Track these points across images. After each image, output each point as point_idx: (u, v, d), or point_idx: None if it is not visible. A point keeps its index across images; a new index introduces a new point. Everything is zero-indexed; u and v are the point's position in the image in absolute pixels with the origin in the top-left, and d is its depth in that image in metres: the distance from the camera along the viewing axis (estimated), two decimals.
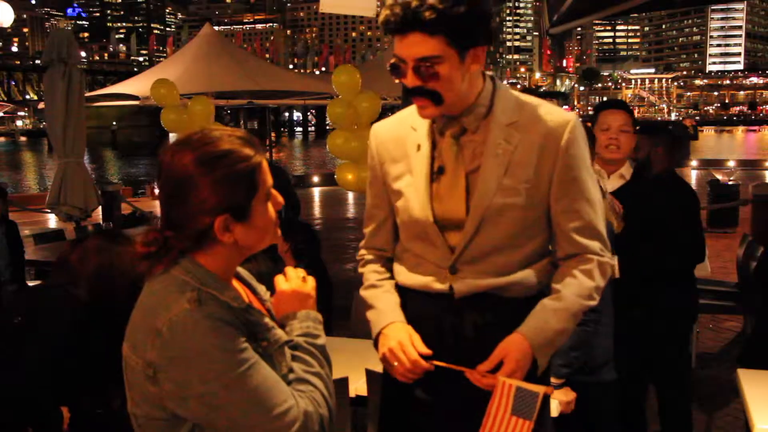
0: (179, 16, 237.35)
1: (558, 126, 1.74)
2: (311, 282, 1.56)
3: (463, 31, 1.64)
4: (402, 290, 1.88)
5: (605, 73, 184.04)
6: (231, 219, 1.32)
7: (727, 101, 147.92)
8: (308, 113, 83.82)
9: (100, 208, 7.25)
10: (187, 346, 1.25)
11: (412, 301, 1.85)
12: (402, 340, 1.72)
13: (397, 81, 1.74)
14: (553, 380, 2.48)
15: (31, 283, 5.35)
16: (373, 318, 1.85)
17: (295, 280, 1.53)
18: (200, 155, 1.31)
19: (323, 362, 1.44)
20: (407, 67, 1.67)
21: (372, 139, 1.91)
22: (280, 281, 1.54)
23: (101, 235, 2.78)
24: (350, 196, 15.19)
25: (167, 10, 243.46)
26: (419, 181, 1.79)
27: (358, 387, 2.74)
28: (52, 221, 11.19)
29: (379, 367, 2.63)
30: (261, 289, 1.58)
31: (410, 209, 1.80)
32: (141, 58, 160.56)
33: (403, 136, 1.84)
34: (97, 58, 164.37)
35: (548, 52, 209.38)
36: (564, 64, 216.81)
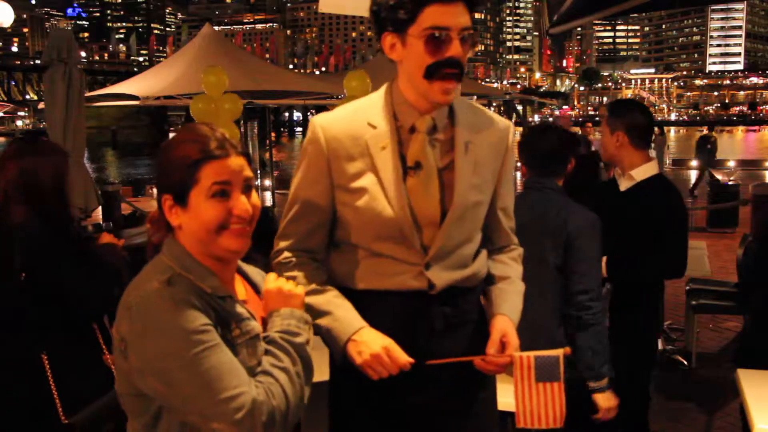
0: (179, 16, 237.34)
1: (504, 129, 1.86)
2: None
3: (475, 11, 1.70)
4: (359, 293, 1.78)
5: (605, 73, 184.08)
6: (172, 200, 1.42)
7: (727, 101, 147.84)
8: (308, 113, 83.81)
9: (100, 208, 7.25)
10: (148, 322, 1.32)
11: (375, 303, 1.77)
12: (386, 345, 1.67)
13: (428, 58, 1.64)
14: (593, 384, 2.53)
15: None
16: (331, 325, 1.73)
17: (282, 279, 1.57)
18: (174, 138, 1.46)
19: (296, 359, 1.45)
20: (452, 36, 1.63)
21: (318, 132, 1.77)
22: (268, 279, 1.57)
23: (19, 142, 2.71)
24: None
25: (167, 10, 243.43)
26: (391, 179, 1.72)
27: None
28: None
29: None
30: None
31: (380, 208, 1.72)
32: (141, 58, 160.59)
33: (360, 132, 1.75)
34: (97, 58, 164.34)
35: (548, 52, 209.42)
36: (564, 64, 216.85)
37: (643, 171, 3.01)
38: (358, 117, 1.78)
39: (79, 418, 2.29)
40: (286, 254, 1.83)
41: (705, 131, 19.65)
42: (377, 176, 1.73)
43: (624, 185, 3.07)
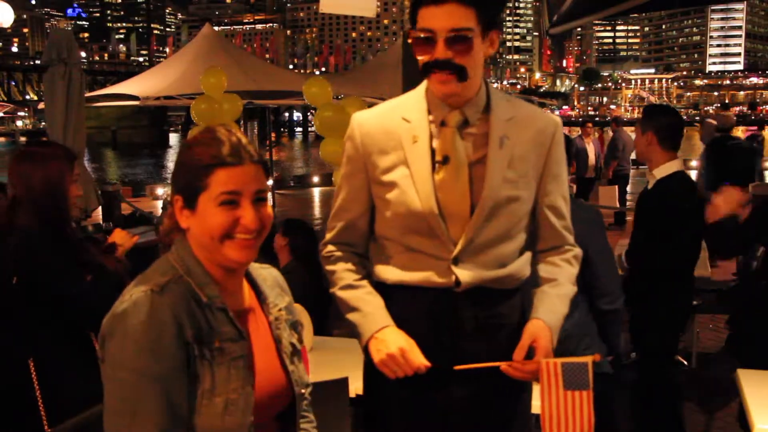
0: (179, 16, 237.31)
1: (548, 125, 1.83)
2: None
3: (491, 8, 1.67)
4: (391, 288, 1.81)
5: (605, 74, 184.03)
6: (182, 202, 1.42)
7: (727, 101, 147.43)
8: (308, 113, 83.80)
9: (100, 208, 7.25)
10: (124, 325, 1.31)
11: (404, 298, 1.79)
12: (403, 347, 1.68)
13: (418, 57, 1.70)
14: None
15: None
16: (359, 321, 1.78)
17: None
18: (190, 140, 1.45)
19: None
20: (438, 38, 1.65)
21: (355, 129, 1.83)
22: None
23: (24, 146, 2.75)
24: None
25: (167, 10, 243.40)
26: (421, 172, 1.74)
27: (358, 387, 2.74)
28: None
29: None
30: (276, 301, 1.58)
31: (409, 201, 1.75)
32: (141, 59, 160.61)
33: (394, 127, 1.79)
34: (97, 58, 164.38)
35: (548, 52, 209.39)
36: (564, 64, 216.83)
37: (665, 168, 3.25)
38: (393, 112, 1.82)
39: (64, 427, 2.26)
40: (329, 248, 1.89)
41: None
42: (408, 169, 1.75)
43: (651, 183, 3.33)
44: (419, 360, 1.67)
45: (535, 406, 2.11)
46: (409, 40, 1.71)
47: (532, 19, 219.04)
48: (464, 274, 1.74)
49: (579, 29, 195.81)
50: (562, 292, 1.84)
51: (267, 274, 1.61)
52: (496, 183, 1.73)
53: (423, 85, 1.83)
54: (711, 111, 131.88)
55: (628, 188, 11.82)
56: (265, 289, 1.57)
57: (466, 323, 1.76)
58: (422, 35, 1.66)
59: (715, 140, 7.54)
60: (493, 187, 1.73)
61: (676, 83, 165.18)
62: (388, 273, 1.82)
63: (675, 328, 3.36)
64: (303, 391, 1.58)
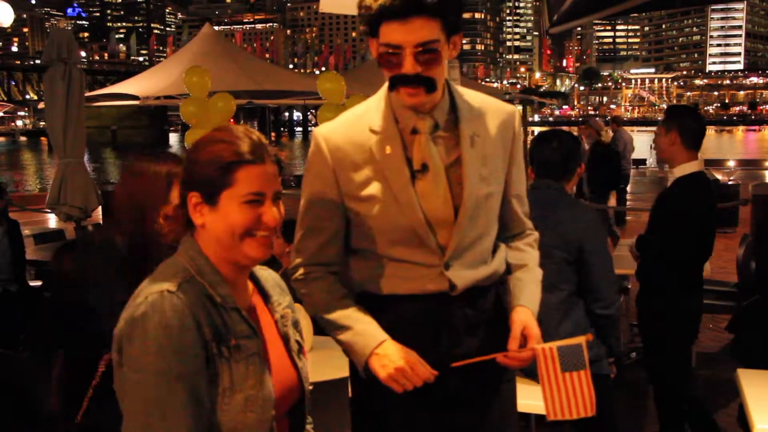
0: (179, 16, 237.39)
1: (509, 114, 1.84)
2: None
3: (454, 14, 1.65)
4: (381, 299, 1.77)
5: (605, 73, 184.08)
6: (199, 198, 1.39)
7: (727, 101, 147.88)
8: (308, 113, 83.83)
9: (100, 208, 7.24)
10: (144, 328, 1.29)
11: (396, 308, 1.76)
12: (409, 359, 1.66)
13: (385, 71, 1.67)
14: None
15: (32, 283, 5.36)
16: (352, 340, 1.72)
17: None
18: (201, 139, 1.43)
19: None
20: (405, 54, 1.61)
21: (321, 143, 1.75)
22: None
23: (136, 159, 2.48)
24: None
25: (167, 10, 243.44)
26: (400, 183, 1.70)
27: None
28: (52, 221, 11.19)
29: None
30: (279, 299, 1.59)
31: (392, 215, 1.71)
32: (141, 58, 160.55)
33: (362, 138, 1.73)
34: (97, 58, 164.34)
35: (548, 52, 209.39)
36: (564, 64, 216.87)
37: (685, 168, 3.31)
38: (359, 124, 1.76)
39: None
40: (302, 270, 1.82)
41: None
42: (386, 182, 1.71)
43: (670, 181, 3.40)
44: (428, 371, 1.66)
45: (526, 405, 2.12)
46: (373, 53, 1.68)
47: (532, 18, 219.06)
48: (458, 277, 1.74)
49: (579, 29, 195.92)
50: (536, 277, 1.89)
51: (267, 275, 1.62)
52: (474, 183, 1.73)
53: (384, 92, 1.78)
54: (711, 111, 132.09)
55: (629, 188, 11.81)
56: (268, 289, 1.58)
57: (459, 323, 1.77)
58: (389, 50, 1.62)
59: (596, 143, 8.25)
60: (473, 188, 1.73)
61: (676, 83, 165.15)
62: (378, 285, 1.78)
63: (688, 326, 3.36)
64: (310, 387, 1.60)
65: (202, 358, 1.32)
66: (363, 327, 1.73)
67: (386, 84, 1.79)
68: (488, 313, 1.82)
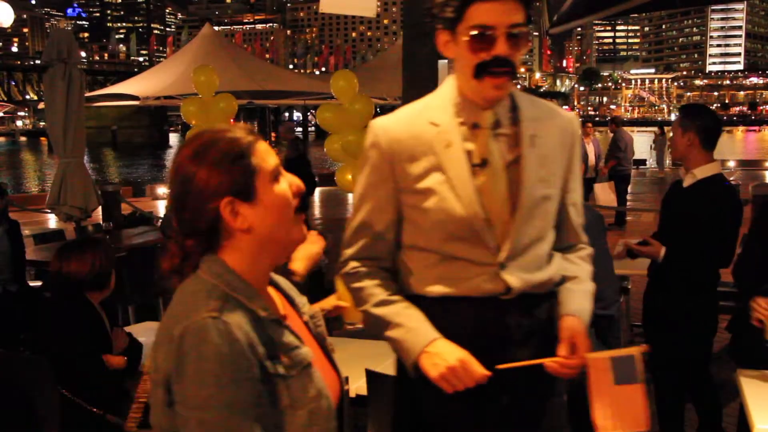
0: (179, 16, 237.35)
1: (568, 122, 1.81)
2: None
3: (532, 3, 1.64)
4: (431, 300, 1.72)
5: (605, 73, 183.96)
6: (236, 201, 1.27)
7: (727, 101, 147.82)
8: (308, 113, 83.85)
9: (100, 208, 7.24)
10: (199, 358, 1.18)
11: (448, 310, 1.70)
12: (462, 358, 1.60)
13: (472, 57, 1.62)
14: None
15: (32, 283, 5.36)
16: (402, 337, 1.68)
17: None
18: (194, 147, 1.30)
19: None
20: (498, 34, 1.58)
21: (380, 136, 1.73)
22: None
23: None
24: (350, 196, 15.18)
25: (167, 10, 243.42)
26: (460, 176, 1.67)
27: (358, 387, 2.74)
28: (52, 221, 11.19)
29: (379, 367, 2.63)
30: (302, 300, 1.51)
31: (450, 207, 1.66)
32: (141, 58, 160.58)
33: (422, 131, 1.70)
34: (97, 58, 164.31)
35: (548, 52, 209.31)
36: (564, 64, 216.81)
37: (706, 170, 3.30)
38: (419, 117, 1.74)
39: None
40: (353, 264, 1.79)
41: None
42: (444, 175, 1.68)
43: (687, 182, 3.35)
44: (480, 370, 1.60)
45: None
46: (465, 38, 1.63)
47: (532, 19, 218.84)
48: (513, 279, 1.69)
49: (579, 29, 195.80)
50: (587, 289, 1.82)
51: (279, 278, 1.54)
52: (533, 183, 1.69)
53: (446, 86, 1.76)
54: None
55: (629, 188, 11.81)
56: (288, 291, 1.50)
57: (514, 331, 1.71)
58: (481, 32, 1.59)
59: None
60: (531, 188, 1.69)
61: (676, 83, 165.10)
62: (429, 285, 1.73)
63: (707, 326, 3.36)
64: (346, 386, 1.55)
65: (260, 381, 1.22)
66: (414, 324, 1.68)
67: (447, 80, 1.78)
68: (543, 323, 1.76)
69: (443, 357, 1.60)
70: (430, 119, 1.72)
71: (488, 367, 1.62)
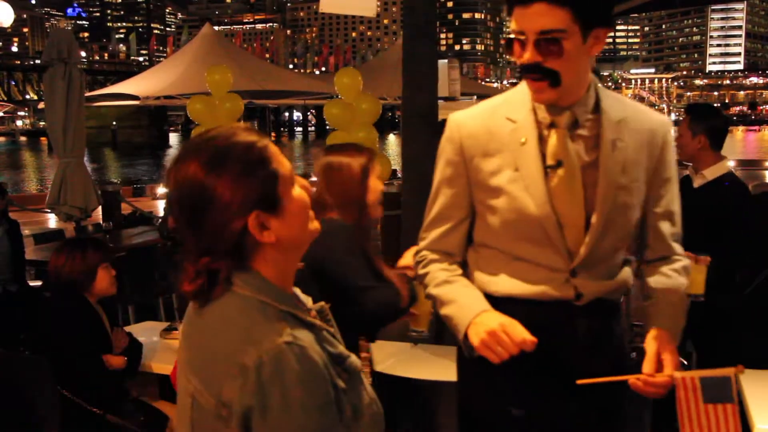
0: (179, 16, 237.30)
1: (659, 125, 1.72)
2: None
3: (590, 5, 1.55)
4: (498, 301, 1.66)
5: (605, 73, 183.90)
6: (263, 214, 1.18)
7: (727, 101, 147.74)
8: (308, 113, 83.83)
9: (100, 208, 7.24)
10: (287, 393, 1.10)
11: (514, 312, 1.62)
12: (502, 322, 1.54)
13: (512, 59, 1.61)
14: None
15: (32, 283, 5.36)
16: (454, 313, 1.64)
17: None
18: (205, 158, 1.17)
19: None
20: (527, 41, 1.55)
21: (455, 130, 1.71)
22: None
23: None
24: None
25: (167, 10, 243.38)
26: (533, 176, 1.61)
27: None
28: (52, 221, 11.19)
29: (379, 367, 2.63)
30: (307, 300, 1.41)
31: (522, 206, 1.62)
32: (141, 58, 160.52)
33: (498, 127, 1.66)
34: (97, 58, 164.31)
35: None
36: None
37: (715, 170, 3.31)
38: (496, 112, 1.70)
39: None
40: (423, 253, 1.79)
41: None
42: (517, 172, 1.63)
43: (697, 182, 3.35)
44: (522, 334, 1.52)
45: None
46: (502, 41, 1.66)
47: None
48: (585, 286, 1.64)
49: None
50: (676, 301, 1.74)
51: None
52: (611, 190, 1.62)
53: (525, 84, 1.72)
54: None
55: None
56: (297, 293, 1.44)
57: (582, 338, 1.66)
58: (514, 36, 1.58)
59: None
60: (608, 194, 1.62)
61: (676, 83, 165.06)
62: (495, 284, 1.69)
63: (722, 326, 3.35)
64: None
65: (335, 399, 1.17)
66: (465, 300, 1.65)
67: None
68: (615, 330, 1.72)
69: (485, 324, 1.56)
70: (508, 115, 1.68)
71: (556, 372, 1.59)
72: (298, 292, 1.41)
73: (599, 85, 1.69)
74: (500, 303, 1.66)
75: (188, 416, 1.20)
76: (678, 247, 1.79)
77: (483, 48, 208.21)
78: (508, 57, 1.69)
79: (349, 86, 6.99)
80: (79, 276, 3.04)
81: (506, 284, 1.68)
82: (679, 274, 1.77)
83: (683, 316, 1.74)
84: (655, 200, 1.72)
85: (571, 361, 1.63)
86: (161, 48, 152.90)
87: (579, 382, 1.56)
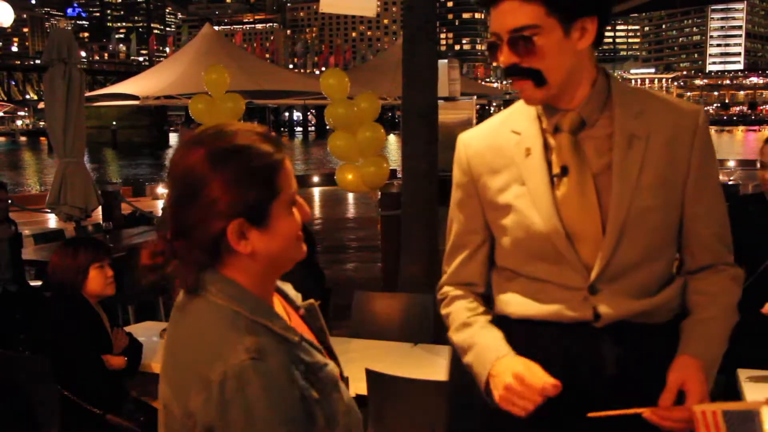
0: (179, 16, 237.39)
1: (689, 116, 1.50)
2: None
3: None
4: (516, 323, 1.55)
5: None
6: (246, 224, 1.15)
7: (727, 101, 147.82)
8: (308, 113, 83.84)
9: (100, 208, 7.24)
10: (249, 411, 1.09)
11: (532, 335, 1.52)
12: (518, 371, 1.40)
13: (495, 64, 1.53)
14: None
15: (32, 283, 5.36)
16: (473, 362, 1.52)
17: None
18: (212, 150, 1.15)
19: None
20: (502, 43, 1.44)
21: (461, 151, 1.62)
22: None
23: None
24: (350, 196, 15.19)
25: (167, 10, 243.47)
26: (538, 188, 1.49)
27: (358, 387, 2.74)
28: (52, 221, 11.19)
29: (379, 367, 2.63)
30: (293, 292, 1.42)
31: (528, 223, 1.49)
32: (141, 58, 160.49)
33: (503, 142, 1.56)
34: (97, 58, 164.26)
35: None
36: None
37: None
38: (502, 126, 1.59)
39: None
40: (445, 289, 1.68)
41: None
42: (524, 187, 1.51)
43: None
44: (542, 380, 1.37)
45: None
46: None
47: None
48: (605, 305, 1.47)
49: None
50: (721, 323, 1.51)
51: (283, 284, 1.47)
52: (626, 192, 1.45)
53: None
54: (711, 111, 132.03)
55: None
56: (281, 287, 1.40)
57: (608, 365, 1.48)
58: (490, 40, 1.47)
59: None
60: (623, 197, 1.45)
61: (676, 83, 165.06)
62: (511, 306, 1.57)
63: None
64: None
65: (304, 413, 1.15)
66: (483, 344, 1.52)
67: None
68: (657, 360, 1.47)
69: (501, 377, 1.42)
70: (513, 127, 1.56)
71: (576, 402, 1.43)
72: (288, 289, 1.40)
73: (613, 78, 1.54)
74: (517, 325, 1.55)
75: (163, 423, 1.20)
76: (725, 253, 1.56)
77: (483, 48, 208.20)
78: (493, 62, 1.59)
79: (335, 87, 6.96)
80: (70, 275, 3.04)
81: (522, 306, 1.55)
82: (723, 284, 1.54)
83: (721, 338, 1.51)
84: (692, 200, 1.51)
85: (594, 390, 1.47)
86: (161, 48, 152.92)
87: (589, 414, 1.41)
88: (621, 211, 1.45)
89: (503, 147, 1.56)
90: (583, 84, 1.49)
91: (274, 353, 1.13)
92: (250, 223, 1.15)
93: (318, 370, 1.21)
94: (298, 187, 1.25)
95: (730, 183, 11.93)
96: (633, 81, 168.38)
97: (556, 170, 1.49)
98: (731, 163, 21.45)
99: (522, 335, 1.53)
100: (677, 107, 1.52)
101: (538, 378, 1.38)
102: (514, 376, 1.40)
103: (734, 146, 48.98)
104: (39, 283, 5.44)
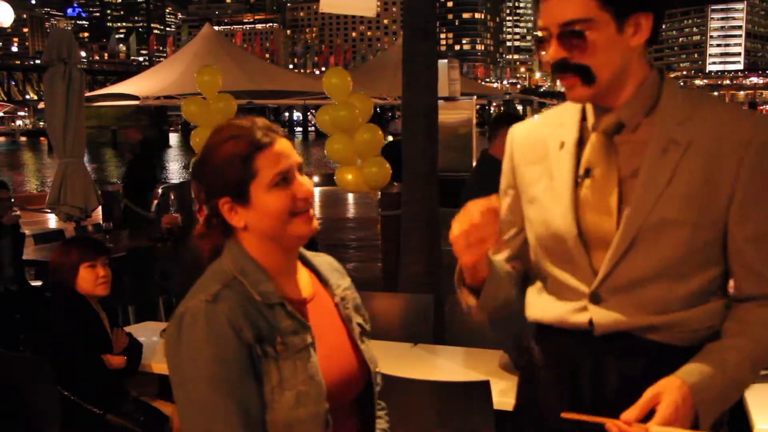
0: (179, 16, 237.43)
1: (745, 128, 1.36)
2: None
3: None
4: (534, 326, 1.55)
5: None
6: (231, 201, 1.38)
7: (727, 101, 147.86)
8: (308, 113, 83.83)
9: (100, 208, 7.24)
10: (182, 336, 1.31)
11: (547, 339, 1.50)
12: (460, 214, 1.35)
13: (544, 59, 1.43)
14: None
15: (32, 283, 5.37)
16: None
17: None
18: (221, 135, 1.39)
19: None
20: (551, 36, 1.37)
21: (509, 140, 1.60)
22: None
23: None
24: (350, 196, 15.19)
25: (167, 10, 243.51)
26: (561, 184, 1.44)
27: None
28: (52, 221, 11.19)
29: (380, 367, 2.63)
30: (338, 282, 1.56)
31: (548, 219, 1.45)
32: (141, 58, 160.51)
33: (546, 134, 1.51)
34: (97, 58, 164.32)
35: None
36: None
37: None
38: (552, 118, 1.55)
39: None
40: None
41: None
42: (551, 182, 1.47)
43: None
44: (476, 208, 1.33)
45: (503, 402, 1.96)
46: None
47: (532, 18, 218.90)
48: (601, 314, 1.40)
49: None
50: (740, 354, 1.36)
51: (322, 260, 1.60)
52: (648, 199, 1.36)
53: None
54: None
55: None
56: (324, 273, 1.56)
57: (610, 378, 1.42)
58: (541, 34, 1.40)
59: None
60: (644, 204, 1.36)
61: None
62: (529, 307, 1.56)
63: None
64: (377, 370, 1.57)
65: (245, 362, 1.31)
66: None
67: None
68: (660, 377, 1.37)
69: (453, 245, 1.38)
70: (561, 120, 1.51)
71: (574, 407, 1.40)
72: (330, 275, 1.55)
73: (669, 80, 1.44)
74: (535, 326, 1.54)
75: None
76: None
77: (483, 48, 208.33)
78: (539, 59, 1.55)
79: (338, 86, 6.93)
80: (61, 273, 3.05)
81: (535, 307, 1.53)
82: (761, 317, 1.39)
83: (736, 370, 1.35)
84: (737, 224, 1.37)
85: (596, 404, 1.41)
86: (161, 48, 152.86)
87: (563, 414, 1.36)
88: (637, 218, 1.37)
89: (545, 138, 1.52)
90: (629, 84, 1.41)
91: (226, 300, 1.33)
92: (234, 200, 1.38)
93: (286, 334, 1.36)
94: (300, 166, 1.40)
95: None
96: None
97: (581, 170, 1.44)
98: None
99: (537, 333, 1.55)
100: (735, 118, 1.38)
101: (474, 210, 1.33)
102: (456, 219, 1.35)
103: None
104: (39, 283, 5.45)
